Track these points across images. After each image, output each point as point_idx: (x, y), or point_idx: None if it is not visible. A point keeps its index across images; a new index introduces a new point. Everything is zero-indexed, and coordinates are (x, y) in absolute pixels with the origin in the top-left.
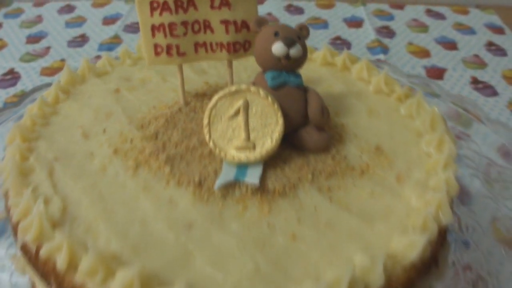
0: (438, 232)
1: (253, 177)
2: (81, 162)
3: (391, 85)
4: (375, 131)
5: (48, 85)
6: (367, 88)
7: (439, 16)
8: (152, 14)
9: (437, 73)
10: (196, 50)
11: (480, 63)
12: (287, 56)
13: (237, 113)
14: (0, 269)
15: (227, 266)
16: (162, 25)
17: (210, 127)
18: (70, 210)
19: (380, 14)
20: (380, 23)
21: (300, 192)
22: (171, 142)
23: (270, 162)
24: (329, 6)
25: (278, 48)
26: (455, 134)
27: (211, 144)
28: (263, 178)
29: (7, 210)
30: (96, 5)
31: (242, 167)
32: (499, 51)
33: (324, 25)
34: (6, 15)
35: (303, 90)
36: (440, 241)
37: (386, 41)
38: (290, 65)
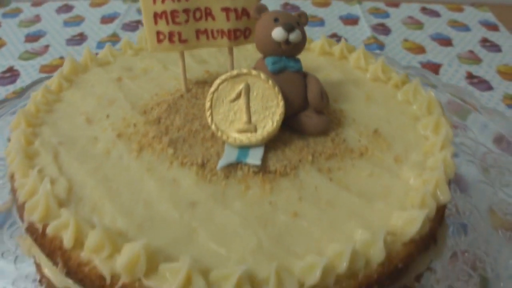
0: (436, 210)
1: (254, 158)
2: (85, 146)
3: (388, 72)
4: (373, 116)
5: (50, 78)
6: (365, 76)
7: (434, 14)
8: (154, 2)
9: (432, 68)
10: (197, 37)
11: (475, 59)
12: (287, 41)
13: (238, 96)
14: (5, 254)
15: (231, 242)
16: (164, 12)
17: (212, 110)
18: (76, 190)
19: (375, 12)
20: (376, 20)
21: (300, 173)
22: (173, 126)
23: (271, 144)
24: (325, 4)
25: (278, 33)
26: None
27: (213, 126)
28: (264, 160)
29: (13, 191)
30: (94, 4)
31: (244, 149)
32: (494, 47)
33: (321, 22)
34: (5, 15)
35: (303, 75)
36: (438, 220)
37: (381, 38)
38: (290, 50)
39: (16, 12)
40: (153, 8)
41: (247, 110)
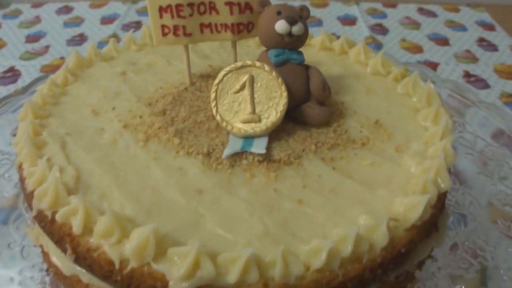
0: (437, 198)
1: (259, 147)
2: (92, 137)
3: (388, 66)
4: (374, 108)
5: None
6: (365, 70)
7: (431, 14)
8: None
9: (430, 67)
10: (201, 31)
11: (472, 58)
12: (289, 34)
13: (242, 87)
14: (12, 245)
15: (237, 228)
16: (169, 6)
17: (217, 102)
18: (84, 179)
19: (373, 13)
20: (373, 21)
21: (304, 161)
22: (179, 117)
23: (275, 134)
24: (323, 5)
25: (281, 26)
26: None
27: (218, 117)
28: (268, 149)
29: (21, 181)
30: (94, 6)
31: (248, 138)
32: (491, 47)
33: (319, 23)
34: (5, 16)
35: (305, 67)
36: (439, 207)
37: (379, 37)
38: (293, 43)
39: (16, 13)
40: (158, 2)
41: (251, 101)
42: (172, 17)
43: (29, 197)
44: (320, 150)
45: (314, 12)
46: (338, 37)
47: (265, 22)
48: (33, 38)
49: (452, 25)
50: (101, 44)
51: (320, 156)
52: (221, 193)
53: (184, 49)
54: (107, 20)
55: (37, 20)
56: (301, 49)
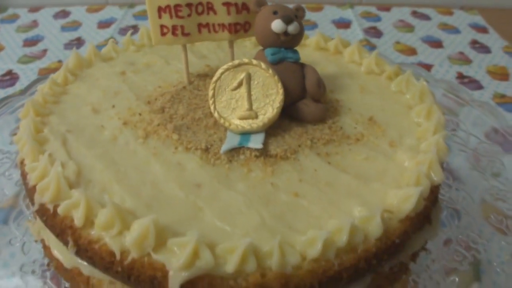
0: (430, 190)
1: (256, 142)
2: (93, 134)
3: (382, 65)
4: (368, 106)
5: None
6: (359, 69)
7: (425, 17)
8: None
9: (424, 68)
10: (199, 31)
11: (465, 60)
12: (285, 33)
13: (240, 84)
14: (12, 241)
15: (235, 220)
16: (168, 6)
17: (215, 99)
18: (85, 174)
19: (367, 16)
20: (368, 24)
21: (300, 156)
22: (177, 114)
23: (271, 131)
24: (318, 9)
25: (277, 25)
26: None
27: (216, 114)
28: (265, 145)
29: (23, 176)
30: (91, 10)
31: (246, 134)
32: (483, 49)
33: (314, 26)
34: (2, 21)
35: (301, 65)
36: (432, 200)
37: (374, 40)
38: (288, 42)
39: (14, 18)
40: (157, 2)
41: (248, 98)
42: (171, 17)
43: (31, 192)
44: (316, 145)
45: (309, 15)
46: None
47: (262, 22)
48: (30, 42)
49: (446, 27)
50: (99, 48)
51: (316, 151)
52: (219, 187)
53: (182, 48)
54: (104, 24)
55: (34, 24)
56: (296, 49)
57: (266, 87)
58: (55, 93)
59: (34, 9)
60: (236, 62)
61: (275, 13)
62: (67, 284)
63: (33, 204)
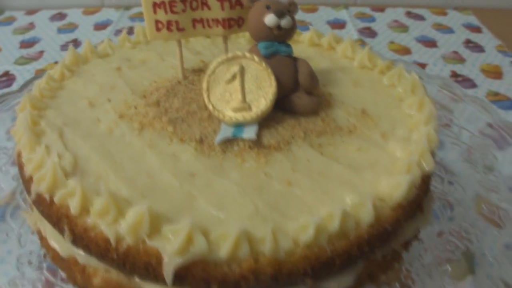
0: (422, 179)
1: (250, 133)
2: (89, 126)
3: (374, 60)
4: (360, 99)
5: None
6: (352, 64)
7: (419, 17)
8: None
9: None
10: (194, 26)
11: (459, 59)
12: (278, 27)
13: (233, 77)
14: (9, 234)
15: (229, 208)
16: (163, 2)
17: (209, 92)
18: (81, 165)
19: (361, 17)
20: (362, 24)
21: (293, 147)
22: (172, 108)
23: (265, 123)
24: (313, 10)
25: (270, 19)
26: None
27: (210, 107)
28: (259, 136)
29: (20, 168)
30: (87, 12)
31: (239, 126)
32: (477, 48)
33: (308, 27)
34: None
35: (294, 59)
36: (424, 189)
37: (368, 40)
38: (281, 36)
39: (10, 20)
40: None
41: (242, 90)
42: (166, 12)
43: (28, 182)
44: (309, 137)
45: (304, 16)
46: None
47: (255, 16)
48: (27, 44)
49: (440, 27)
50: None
51: (309, 142)
52: (213, 176)
53: (177, 44)
54: (100, 26)
55: (31, 26)
56: (289, 43)
57: (259, 80)
58: (52, 88)
59: (30, 12)
60: (230, 55)
61: (268, 7)
62: (63, 275)
63: (30, 194)
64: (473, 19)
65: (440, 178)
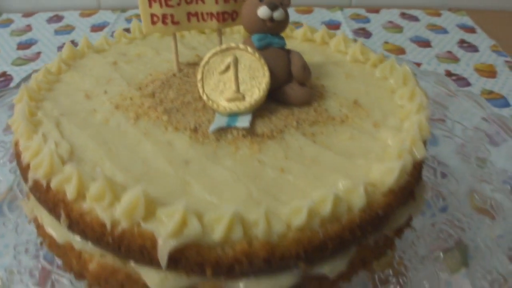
0: (413, 166)
1: (243, 121)
2: (85, 117)
3: (366, 54)
4: (353, 90)
5: None
6: (345, 58)
7: (413, 18)
8: None
9: None
10: (188, 19)
11: (453, 58)
12: (271, 19)
13: (227, 68)
14: (6, 223)
15: (223, 193)
16: None
17: (203, 82)
18: (77, 153)
19: (356, 18)
20: (357, 25)
21: (286, 136)
22: (167, 99)
23: (258, 113)
24: (308, 11)
25: (263, 11)
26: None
27: (204, 97)
28: (252, 126)
29: (18, 156)
30: (84, 14)
31: (233, 116)
32: (471, 48)
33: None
34: None
35: (287, 51)
36: (415, 176)
37: (363, 40)
38: (274, 28)
39: (8, 22)
40: None
41: (235, 80)
42: (161, 6)
43: (25, 170)
44: (302, 126)
45: (300, 18)
46: None
47: (248, 8)
48: (24, 46)
49: (434, 28)
50: None
51: (301, 131)
52: (208, 163)
53: (172, 37)
54: (97, 28)
55: (28, 28)
56: (282, 35)
57: (252, 70)
58: (49, 81)
59: (27, 14)
60: (224, 46)
61: (261, 0)
62: (59, 262)
63: (26, 182)
64: (467, 20)
65: (432, 169)
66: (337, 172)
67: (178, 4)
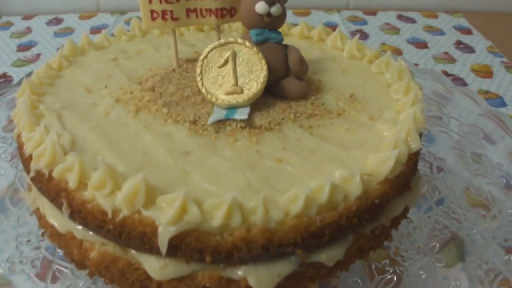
0: (409, 157)
1: (242, 114)
2: (86, 110)
3: (363, 50)
4: (349, 85)
5: None
6: (341, 54)
7: (410, 20)
8: None
9: None
10: (187, 15)
11: (449, 59)
12: (268, 14)
13: (226, 62)
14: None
15: (222, 182)
16: None
17: (202, 76)
18: (79, 143)
19: (354, 20)
20: (354, 27)
21: (284, 128)
22: (167, 92)
23: (256, 106)
24: (306, 13)
25: (260, 6)
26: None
27: (203, 90)
28: (250, 118)
29: (20, 147)
30: (83, 17)
31: (232, 108)
32: (468, 49)
33: None
34: None
35: (284, 46)
36: (411, 167)
37: (360, 42)
38: (272, 23)
39: (7, 25)
40: None
41: (234, 74)
42: (160, 2)
43: (27, 161)
44: (299, 119)
45: (297, 20)
46: None
47: (246, 4)
48: (24, 47)
49: (431, 29)
50: None
51: (299, 123)
52: (207, 153)
53: (171, 33)
54: (96, 30)
55: (28, 31)
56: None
57: (250, 64)
58: (50, 76)
59: (27, 17)
60: (222, 41)
61: None
62: (61, 253)
63: (28, 173)
64: (463, 22)
65: (428, 163)
66: (334, 162)
67: (177, 1)
